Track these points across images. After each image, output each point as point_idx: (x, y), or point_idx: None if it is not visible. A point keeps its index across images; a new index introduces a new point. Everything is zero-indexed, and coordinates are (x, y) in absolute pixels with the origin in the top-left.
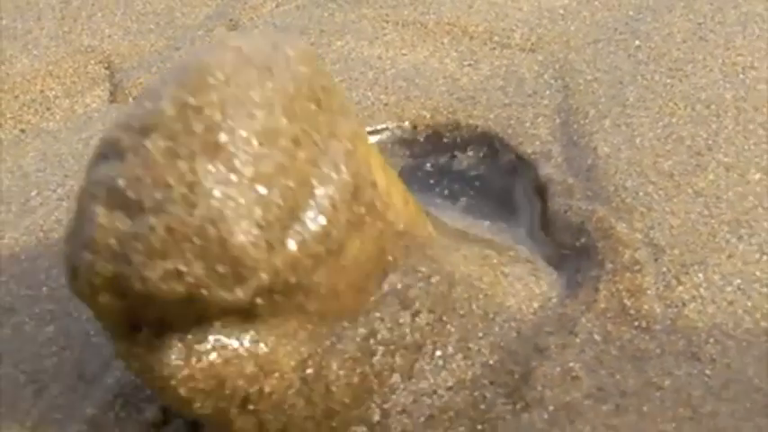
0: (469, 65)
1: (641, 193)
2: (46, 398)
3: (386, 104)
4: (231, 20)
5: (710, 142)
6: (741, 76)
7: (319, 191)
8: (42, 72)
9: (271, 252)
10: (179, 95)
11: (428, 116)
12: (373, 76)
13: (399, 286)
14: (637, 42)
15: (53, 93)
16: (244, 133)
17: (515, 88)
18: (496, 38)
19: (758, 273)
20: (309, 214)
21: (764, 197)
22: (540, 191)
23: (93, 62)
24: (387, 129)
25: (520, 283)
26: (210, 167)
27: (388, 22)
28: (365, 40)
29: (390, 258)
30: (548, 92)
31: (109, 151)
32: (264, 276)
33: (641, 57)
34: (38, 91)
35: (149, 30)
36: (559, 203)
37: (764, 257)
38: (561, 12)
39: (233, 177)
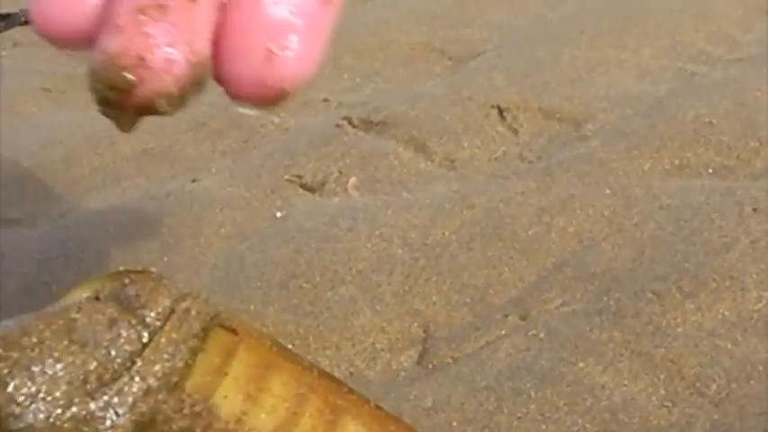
0: (666, 407)
1: None
2: None
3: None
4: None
5: None
6: None
7: None
8: (377, 327)
9: None
10: None
11: None
12: (591, 404)
13: None
14: None
15: (380, 346)
16: None
17: None
18: (698, 384)
19: None
20: None
21: None
22: None
23: (415, 325)
24: None
25: None
26: None
27: (627, 349)
28: (601, 365)
29: None
30: None
31: None
32: None
33: None
34: (369, 342)
35: (465, 303)
36: None
37: None
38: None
39: None
